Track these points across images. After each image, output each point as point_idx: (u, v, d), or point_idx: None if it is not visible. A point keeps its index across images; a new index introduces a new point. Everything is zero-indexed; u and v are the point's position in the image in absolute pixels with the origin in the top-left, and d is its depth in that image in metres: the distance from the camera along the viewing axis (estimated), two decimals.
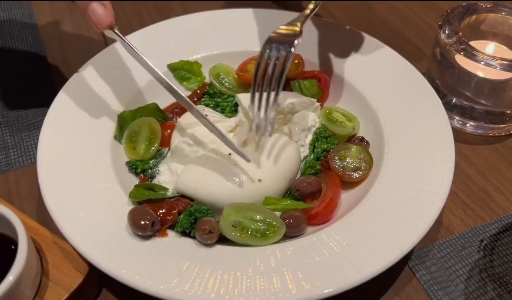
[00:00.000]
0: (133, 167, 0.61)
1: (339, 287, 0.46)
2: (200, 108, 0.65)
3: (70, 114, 0.62)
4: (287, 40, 0.54)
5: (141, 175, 0.61)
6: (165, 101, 0.69)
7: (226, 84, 0.71)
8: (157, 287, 0.46)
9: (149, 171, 0.61)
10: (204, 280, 0.47)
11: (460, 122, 0.72)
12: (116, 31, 0.57)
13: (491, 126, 0.71)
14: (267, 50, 0.54)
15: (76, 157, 0.58)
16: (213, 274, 0.48)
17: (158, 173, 0.61)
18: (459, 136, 0.71)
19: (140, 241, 0.51)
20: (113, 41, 0.74)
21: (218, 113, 0.67)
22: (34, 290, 0.48)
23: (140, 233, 0.51)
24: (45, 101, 0.73)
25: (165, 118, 0.67)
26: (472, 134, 0.72)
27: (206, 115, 0.59)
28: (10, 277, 0.44)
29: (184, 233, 0.53)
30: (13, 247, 0.49)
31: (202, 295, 0.46)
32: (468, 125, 0.72)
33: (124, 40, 0.57)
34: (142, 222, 0.50)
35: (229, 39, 0.75)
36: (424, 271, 0.56)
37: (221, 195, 0.55)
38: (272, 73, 0.54)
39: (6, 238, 0.49)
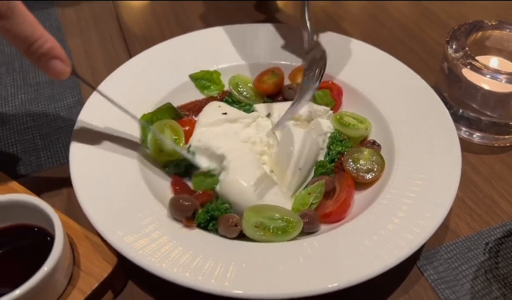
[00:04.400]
0: (166, 170, 0.65)
1: (351, 280, 0.49)
2: (216, 104, 0.71)
3: (98, 119, 0.66)
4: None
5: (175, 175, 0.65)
6: (183, 102, 0.74)
7: (244, 93, 0.76)
8: (181, 276, 0.49)
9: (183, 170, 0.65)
10: (222, 271, 0.50)
11: (467, 133, 0.76)
12: (78, 74, 0.58)
13: (496, 136, 0.74)
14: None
15: (105, 157, 0.62)
16: (229, 265, 0.51)
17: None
18: (466, 146, 0.74)
19: (168, 234, 0.54)
20: (136, 53, 0.78)
21: (234, 108, 0.72)
22: (67, 279, 0.52)
23: (182, 215, 0.56)
24: (73, 107, 0.78)
25: (179, 116, 0.71)
26: (479, 144, 0.75)
27: (225, 113, 0.67)
28: (45, 268, 0.47)
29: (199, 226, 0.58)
30: (48, 238, 0.52)
31: (222, 284, 0.49)
32: (474, 135, 0.75)
33: (85, 81, 0.60)
34: (186, 203, 0.56)
35: (247, 52, 0.80)
36: (432, 271, 0.59)
37: (258, 199, 0.59)
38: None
39: (42, 230, 0.53)
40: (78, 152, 0.61)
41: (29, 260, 0.51)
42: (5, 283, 0.48)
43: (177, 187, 0.62)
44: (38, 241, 0.53)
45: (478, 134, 0.75)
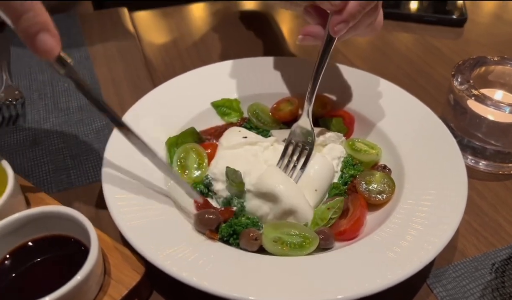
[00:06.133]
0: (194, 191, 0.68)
1: (367, 290, 0.53)
2: (237, 129, 0.76)
3: (127, 143, 0.71)
4: (306, 141, 0.72)
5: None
6: (205, 127, 0.79)
7: (262, 120, 0.81)
8: (204, 283, 0.53)
9: (206, 189, 0.70)
10: (241, 280, 0.54)
11: (472, 161, 0.80)
12: (65, 60, 0.54)
13: (501, 165, 0.78)
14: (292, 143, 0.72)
15: (134, 175, 0.66)
16: (249, 275, 0.55)
17: (212, 185, 0.69)
18: (472, 173, 0.78)
19: (192, 246, 0.58)
20: (160, 82, 0.84)
21: (253, 133, 0.76)
22: (99, 286, 0.55)
23: (206, 228, 0.60)
24: (100, 131, 0.83)
25: (201, 139, 0.76)
26: (484, 171, 0.79)
27: (245, 137, 0.72)
28: (78, 277, 0.51)
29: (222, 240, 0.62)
30: (82, 248, 0.56)
31: (240, 291, 0.52)
32: (480, 164, 0.79)
33: (76, 79, 0.56)
34: (211, 217, 0.60)
35: (265, 82, 0.85)
36: (441, 288, 0.62)
37: (292, 196, 0.64)
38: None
39: (77, 241, 0.57)
40: (109, 170, 0.66)
41: (66, 267, 0.55)
42: (43, 289, 0.52)
43: (200, 204, 0.66)
44: (73, 250, 0.57)
45: (483, 162, 0.79)
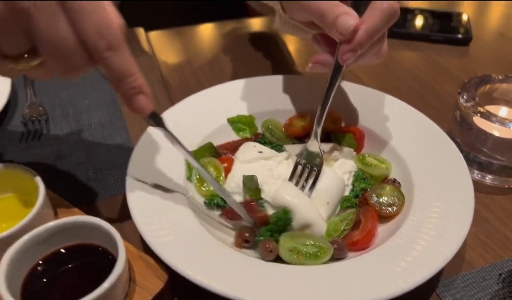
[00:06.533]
0: (211, 204, 0.72)
1: (379, 297, 0.55)
2: (252, 144, 0.79)
3: (149, 157, 0.74)
4: (314, 163, 0.74)
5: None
6: (221, 142, 0.83)
7: (275, 135, 0.84)
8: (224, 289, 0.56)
9: (222, 202, 0.72)
10: (258, 287, 0.57)
11: (479, 175, 0.82)
12: (157, 114, 0.62)
13: (506, 179, 0.81)
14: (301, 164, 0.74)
15: (158, 188, 0.69)
16: (266, 282, 0.58)
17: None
18: (479, 187, 0.80)
19: (213, 254, 0.61)
20: (177, 100, 0.88)
21: (268, 148, 0.80)
22: (124, 292, 0.58)
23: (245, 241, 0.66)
24: (122, 146, 0.87)
25: (218, 154, 0.80)
26: (490, 185, 0.82)
27: (260, 152, 0.76)
28: (105, 285, 0.54)
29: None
30: (110, 257, 0.60)
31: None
32: (486, 178, 0.82)
33: (166, 129, 0.64)
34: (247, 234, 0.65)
35: (278, 99, 0.89)
36: (450, 297, 0.64)
37: (306, 210, 0.68)
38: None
39: (104, 250, 0.60)
40: (133, 182, 0.69)
41: (94, 275, 0.58)
42: (72, 295, 0.55)
43: (229, 214, 0.70)
44: (101, 259, 0.60)
45: (489, 176, 0.82)
